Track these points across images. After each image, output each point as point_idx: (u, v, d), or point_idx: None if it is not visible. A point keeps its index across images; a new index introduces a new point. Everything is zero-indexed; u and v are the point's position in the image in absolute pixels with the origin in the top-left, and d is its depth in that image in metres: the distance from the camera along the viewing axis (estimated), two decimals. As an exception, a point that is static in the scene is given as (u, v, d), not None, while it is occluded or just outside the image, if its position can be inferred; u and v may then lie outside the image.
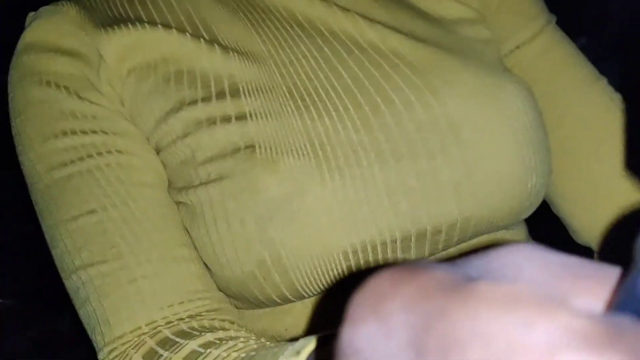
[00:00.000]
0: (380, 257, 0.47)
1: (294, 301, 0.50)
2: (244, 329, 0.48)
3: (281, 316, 0.53)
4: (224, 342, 0.42)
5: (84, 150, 0.48)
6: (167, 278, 0.46)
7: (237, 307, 0.53)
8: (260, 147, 0.46)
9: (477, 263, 0.16)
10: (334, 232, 0.45)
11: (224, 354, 0.40)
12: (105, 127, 0.49)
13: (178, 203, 0.50)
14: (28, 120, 0.50)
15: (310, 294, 0.49)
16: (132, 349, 0.44)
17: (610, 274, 0.15)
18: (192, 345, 0.42)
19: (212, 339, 0.43)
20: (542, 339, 0.13)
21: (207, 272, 0.49)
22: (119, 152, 0.48)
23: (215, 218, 0.46)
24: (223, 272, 0.48)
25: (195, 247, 0.49)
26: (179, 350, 0.42)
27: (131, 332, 0.45)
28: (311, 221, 0.45)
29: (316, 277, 0.47)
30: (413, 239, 0.48)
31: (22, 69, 0.51)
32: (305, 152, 0.46)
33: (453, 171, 0.47)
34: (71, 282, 0.47)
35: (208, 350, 0.41)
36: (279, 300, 0.49)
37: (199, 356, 0.41)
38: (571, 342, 0.12)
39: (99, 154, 0.48)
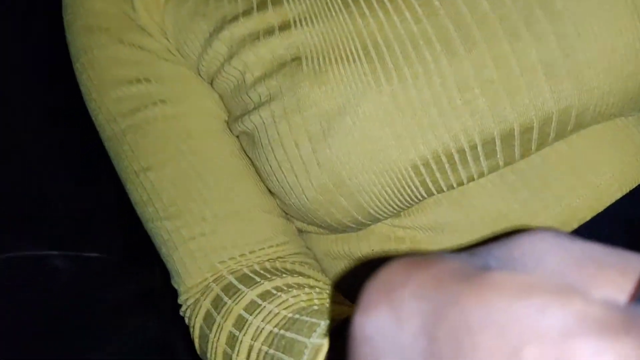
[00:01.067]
0: (459, 167, 0.43)
1: (371, 224, 0.47)
2: (320, 273, 0.49)
3: (366, 236, 0.49)
4: (280, 293, 0.44)
5: (133, 102, 0.48)
6: (228, 231, 0.46)
7: (320, 233, 0.51)
8: (306, 58, 0.43)
9: (497, 252, 0.16)
10: (398, 143, 0.41)
11: (276, 310, 0.42)
12: (150, 74, 0.48)
13: (240, 134, 0.48)
14: (83, 68, 0.49)
15: (387, 215, 0.46)
16: (202, 296, 0.46)
17: (635, 264, 0.14)
18: (251, 295, 0.44)
19: (269, 288, 0.44)
20: (555, 324, 0.12)
21: (280, 217, 0.49)
22: (166, 101, 0.48)
23: (271, 144, 0.44)
24: (290, 200, 0.45)
25: (263, 181, 0.49)
26: (240, 300, 0.44)
27: (199, 283, 0.47)
28: (370, 134, 0.41)
29: (387, 197, 0.43)
30: (497, 141, 0.42)
31: (69, 12, 0.50)
32: (356, 57, 0.42)
33: (544, 51, 0.40)
34: (147, 231, 0.49)
35: (264, 304, 0.43)
36: (354, 226, 0.46)
37: (256, 308, 0.43)
38: (585, 328, 0.12)
39: (146, 106, 0.47)
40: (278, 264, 0.47)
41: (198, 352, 0.47)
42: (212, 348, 0.44)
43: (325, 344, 0.36)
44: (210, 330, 0.45)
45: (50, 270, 0.68)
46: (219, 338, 0.44)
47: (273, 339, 0.40)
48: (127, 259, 0.71)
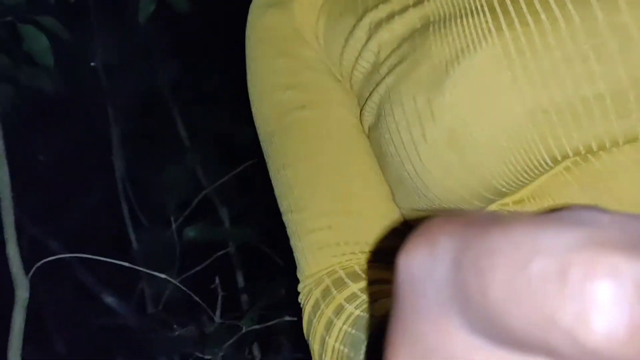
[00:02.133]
0: (584, 123, 0.39)
1: (486, 205, 0.44)
2: None
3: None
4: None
5: (282, 107, 0.52)
6: (344, 229, 0.49)
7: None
8: (434, 22, 0.44)
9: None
10: (516, 88, 0.39)
11: (367, 299, 0.44)
12: (298, 82, 0.52)
13: (369, 122, 0.49)
14: (250, 76, 0.55)
15: (504, 184, 0.42)
16: (315, 286, 0.49)
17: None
18: (354, 287, 0.46)
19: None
20: (569, 239, 0.13)
21: (394, 222, 0.51)
22: (306, 107, 0.51)
23: (392, 107, 0.44)
24: (404, 171, 0.44)
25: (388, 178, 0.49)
26: (343, 291, 0.46)
27: (315, 274, 0.49)
28: (487, 79, 0.39)
29: (503, 154, 0.40)
30: (631, 96, 0.38)
31: (249, 26, 0.56)
32: (480, 11, 0.42)
33: None
34: (285, 222, 0.53)
35: (362, 295, 0.45)
36: (466, 198, 0.44)
37: (355, 298, 0.45)
38: (593, 245, 0.13)
39: (291, 111, 0.51)
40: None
41: (305, 336, 0.50)
42: (313, 332, 0.47)
43: None
44: (315, 317, 0.47)
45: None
46: (319, 322, 0.46)
47: (356, 321, 0.43)
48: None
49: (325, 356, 0.45)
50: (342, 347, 0.43)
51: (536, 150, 0.40)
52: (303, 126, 0.51)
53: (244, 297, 1.56)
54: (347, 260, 0.48)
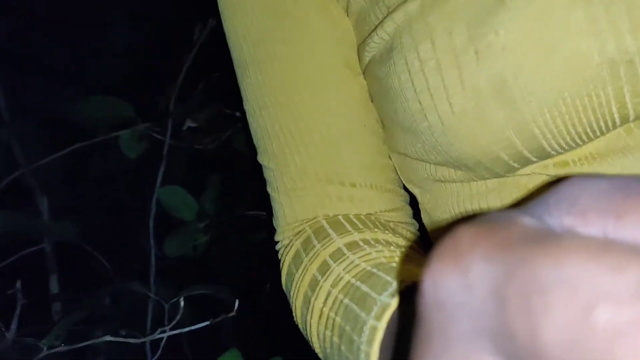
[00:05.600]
0: None
1: (521, 167, 0.39)
2: (415, 237, 0.49)
3: (510, 188, 0.42)
4: (365, 245, 0.43)
5: (258, 33, 0.48)
6: (328, 194, 0.47)
7: (459, 181, 0.45)
8: None
9: (533, 205, 0.16)
10: (593, 29, 0.33)
11: (357, 261, 0.41)
12: (281, 9, 0.47)
13: (371, 56, 0.45)
14: None
15: (550, 146, 0.37)
16: (295, 236, 0.48)
17: None
18: (339, 243, 0.44)
19: (357, 239, 0.44)
20: (630, 284, 0.12)
21: (389, 186, 0.48)
22: (288, 42, 0.47)
23: (415, 40, 0.38)
24: (425, 122, 0.39)
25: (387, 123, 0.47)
26: (328, 246, 0.44)
27: (295, 226, 0.48)
28: (555, 17, 0.33)
29: (562, 107, 0.34)
30: None
31: None
32: None
33: None
34: (259, 160, 0.51)
35: (348, 254, 0.43)
36: (501, 162, 0.39)
37: (340, 257, 0.43)
38: None
39: (269, 42, 0.48)
40: (373, 218, 0.47)
41: (283, 287, 0.49)
42: (295, 287, 0.45)
43: (392, 303, 0.36)
44: (297, 270, 0.46)
45: None
46: (302, 279, 0.45)
47: (349, 289, 0.40)
48: None
49: (310, 317, 0.43)
50: (334, 316, 0.40)
51: (607, 108, 0.35)
52: (281, 66, 0.48)
53: (56, 307, 1.29)
54: (331, 209, 0.47)
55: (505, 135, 0.37)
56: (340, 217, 0.47)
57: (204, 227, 1.15)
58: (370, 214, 0.48)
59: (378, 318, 0.36)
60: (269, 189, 0.51)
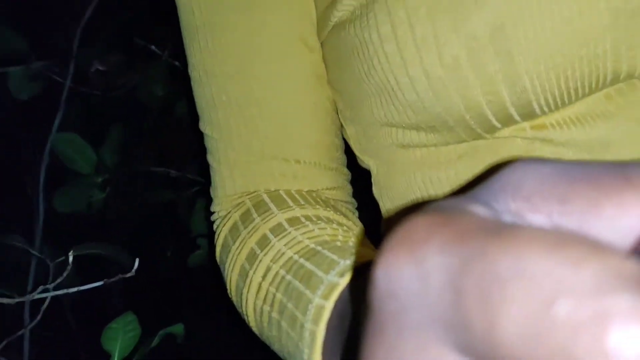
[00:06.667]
0: None
1: (503, 126, 0.38)
2: (355, 217, 0.49)
3: (484, 155, 0.40)
4: (307, 222, 0.43)
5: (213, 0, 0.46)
6: (272, 170, 0.46)
7: (430, 145, 0.43)
8: None
9: (480, 190, 0.16)
10: None
11: (300, 238, 0.42)
12: None
13: (336, 22, 0.44)
14: None
15: (538, 104, 0.36)
16: (234, 208, 0.48)
17: (604, 177, 0.14)
18: (280, 218, 0.44)
19: (299, 215, 0.44)
20: (590, 278, 0.12)
21: (333, 164, 0.48)
22: (243, 11, 0.46)
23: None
24: (406, 79, 0.38)
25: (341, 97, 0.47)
26: (268, 220, 0.44)
27: (235, 198, 0.48)
28: None
29: (560, 59, 0.34)
30: None
31: None
32: None
33: None
34: (200, 127, 0.50)
35: (289, 229, 0.42)
36: (494, 121, 0.38)
37: (281, 232, 0.42)
38: (620, 284, 0.12)
39: (223, 8, 0.46)
40: (314, 195, 0.48)
41: (217, 259, 0.48)
42: (231, 259, 0.45)
43: (341, 283, 0.36)
44: (234, 242, 0.45)
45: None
46: (240, 252, 0.44)
47: (292, 265, 0.40)
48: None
49: (247, 291, 0.42)
50: (274, 291, 0.40)
51: (601, 62, 0.35)
52: (234, 35, 0.47)
53: None
54: (274, 184, 0.47)
55: (495, 87, 0.36)
56: (281, 191, 0.47)
57: (102, 181, 1.04)
58: (312, 190, 0.48)
59: (325, 297, 0.36)
60: (209, 158, 0.50)
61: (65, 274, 0.70)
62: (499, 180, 0.15)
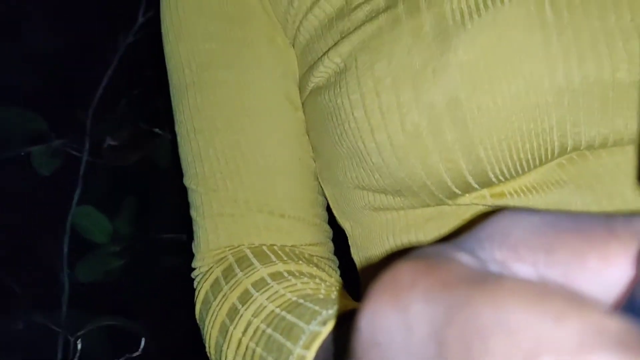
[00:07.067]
0: (610, 111, 0.36)
1: (462, 193, 0.40)
2: (336, 274, 0.49)
3: (450, 220, 0.42)
4: (290, 277, 0.42)
5: (203, 58, 0.47)
6: (257, 223, 0.46)
7: (399, 208, 0.44)
8: None
9: (466, 238, 0.16)
10: (548, 54, 0.34)
11: (282, 291, 0.41)
12: (227, 36, 0.47)
13: (313, 88, 0.45)
14: (169, 8, 0.49)
15: (493, 174, 0.38)
16: (216, 264, 0.47)
17: (590, 227, 0.14)
18: (262, 272, 0.43)
19: (282, 270, 0.43)
20: (572, 335, 0.12)
21: (316, 220, 0.48)
22: (232, 68, 0.47)
23: (372, 60, 0.39)
24: (374, 144, 0.39)
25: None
26: (251, 275, 0.43)
27: (217, 254, 0.47)
28: (513, 42, 0.35)
29: (511, 131, 0.36)
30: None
31: None
32: None
33: None
34: (186, 185, 0.50)
35: (272, 284, 0.42)
36: (453, 188, 0.39)
37: (264, 286, 0.42)
38: (602, 343, 0.12)
39: (213, 67, 0.47)
40: (297, 251, 0.48)
41: (197, 317, 0.47)
42: (212, 315, 0.44)
43: (323, 331, 0.36)
44: (215, 298, 0.44)
45: None
46: (221, 307, 0.43)
47: (273, 319, 0.39)
48: None
49: (227, 347, 0.42)
50: (254, 346, 0.39)
51: (549, 135, 0.36)
52: (222, 92, 0.48)
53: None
54: (257, 238, 0.46)
55: (452, 156, 0.37)
56: (264, 247, 0.46)
57: (119, 250, 1.11)
58: (295, 246, 0.48)
59: (306, 347, 0.35)
60: (192, 213, 0.49)
61: (77, 356, 0.76)
62: (486, 229, 0.15)
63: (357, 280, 0.52)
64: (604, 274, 0.13)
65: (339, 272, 0.51)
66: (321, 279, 0.44)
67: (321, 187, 0.51)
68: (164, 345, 1.00)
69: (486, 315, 0.13)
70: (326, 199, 0.52)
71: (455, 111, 0.36)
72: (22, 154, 1.15)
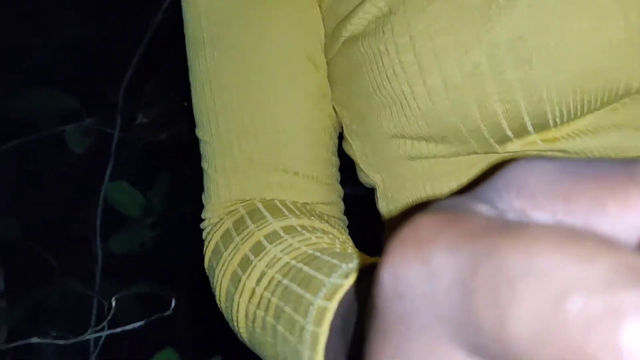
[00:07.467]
0: None
1: (516, 138, 0.38)
2: (344, 230, 0.49)
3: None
4: (304, 231, 0.42)
5: (224, 11, 0.47)
6: (270, 181, 0.47)
7: (439, 156, 0.43)
8: None
9: (483, 189, 0.16)
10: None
11: (296, 245, 0.41)
12: None
13: (348, 37, 0.44)
14: None
15: (559, 118, 0.37)
16: (227, 215, 0.46)
17: (608, 174, 0.14)
18: (275, 225, 0.43)
19: (295, 224, 0.43)
20: (601, 274, 0.12)
21: (329, 180, 0.49)
22: (254, 23, 0.47)
23: (424, 1, 0.37)
24: (434, 86, 0.38)
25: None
26: (263, 227, 0.43)
27: (228, 205, 0.47)
28: None
29: (571, 73, 0.34)
30: None
31: None
32: None
33: None
34: (197, 133, 0.50)
35: (285, 237, 0.41)
36: (507, 131, 0.38)
37: (277, 239, 0.41)
38: (632, 279, 0.11)
39: (233, 23, 0.47)
40: (309, 207, 0.47)
41: (206, 266, 0.47)
42: (222, 265, 0.44)
43: (345, 284, 0.35)
44: (226, 249, 0.44)
45: None
46: (232, 258, 0.43)
47: (289, 270, 0.39)
48: None
49: (239, 296, 0.41)
50: (269, 295, 0.39)
51: (616, 76, 0.35)
52: (240, 50, 0.47)
53: (1, 304, 1.25)
54: (270, 194, 0.46)
55: (513, 96, 0.36)
56: (276, 201, 0.46)
57: (151, 223, 1.13)
58: (307, 203, 0.48)
59: (328, 298, 0.35)
60: (204, 164, 0.49)
61: (110, 316, 0.78)
62: (503, 178, 0.15)
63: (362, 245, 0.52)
64: (624, 220, 0.13)
65: (347, 231, 0.51)
66: (334, 235, 0.44)
67: (336, 148, 0.51)
68: (193, 306, 1.02)
69: (513, 260, 0.12)
70: (339, 159, 0.52)
71: (520, 50, 0.35)
72: (56, 133, 1.18)
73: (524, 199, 0.15)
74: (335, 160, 0.51)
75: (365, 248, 0.53)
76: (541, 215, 0.14)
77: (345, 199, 0.52)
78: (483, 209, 0.15)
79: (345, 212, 0.52)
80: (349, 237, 0.48)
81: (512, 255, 0.13)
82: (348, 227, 0.52)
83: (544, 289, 0.12)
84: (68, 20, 1.20)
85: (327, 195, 0.49)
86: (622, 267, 0.12)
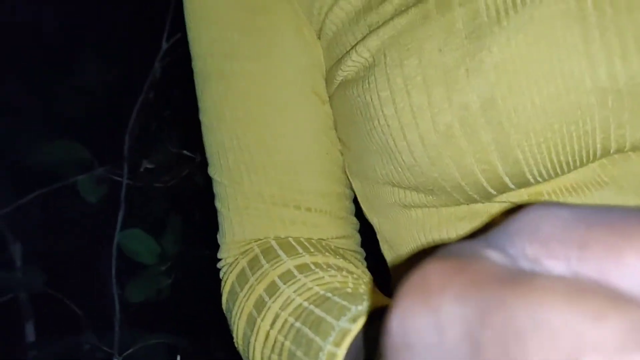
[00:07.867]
0: None
1: (497, 193, 0.38)
2: (363, 266, 0.48)
3: (484, 217, 0.40)
4: (317, 269, 0.42)
5: (225, 48, 0.47)
6: (282, 217, 0.46)
7: (430, 206, 0.43)
8: None
9: (495, 234, 0.15)
10: (588, 52, 0.33)
11: (309, 284, 0.41)
12: (251, 26, 0.46)
13: (342, 80, 0.44)
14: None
15: (531, 173, 0.36)
16: (242, 255, 0.47)
17: (624, 222, 0.13)
18: (289, 264, 0.43)
19: (309, 262, 0.43)
20: (614, 334, 0.11)
21: (342, 213, 0.48)
22: (256, 59, 0.46)
23: (401, 57, 0.37)
24: (405, 143, 0.38)
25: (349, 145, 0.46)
26: (277, 267, 0.43)
27: (243, 245, 0.47)
28: (551, 40, 0.33)
29: (549, 133, 0.34)
30: None
31: None
32: None
33: None
34: (209, 172, 0.50)
35: (299, 276, 0.42)
36: (489, 189, 0.37)
37: (291, 279, 0.42)
38: None
39: (236, 58, 0.46)
40: (324, 243, 0.47)
41: (224, 307, 0.47)
42: (239, 307, 0.44)
43: (353, 329, 0.35)
44: (242, 289, 0.44)
45: None
46: (248, 299, 0.43)
47: (301, 313, 0.39)
48: None
49: (255, 339, 0.41)
50: (282, 339, 0.39)
51: (590, 139, 0.35)
52: (247, 83, 0.47)
53: (32, 354, 1.29)
54: (283, 232, 0.46)
55: (488, 157, 0.36)
56: (290, 239, 0.46)
57: (167, 269, 1.14)
58: (322, 239, 0.47)
59: (337, 344, 0.35)
60: (217, 204, 0.49)
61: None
62: (515, 224, 0.15)
63: (384, 273, 0.51)
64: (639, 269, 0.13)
65: (365, 264, 0.50)
66: (348, 271, 0.44)
67: (348, 180, 0.50)
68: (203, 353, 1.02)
69: (522, 316, 0.12)
70: (353, 191, 0.51)
71: (491, 112, 0.35)
72: (69, 183, 1.20)
73: (537, 245, 0.14)
74: (349, 193, 0.50)
75: (387, 277, 0.52)
76: (554, 263, 0.14)
77: (364, 229, 0.52)
78: (494, 255, 0.15)
79: (366, 242, 0.52)
80: (365, 270, 0.48)
81: (522, 308, 0.12)
82: (371, 256, 0.52)
83: (555, 347, 0.12)
84: (78, 76, 1.22)
85: (342, 229, 0.49)
86: (635, 327, 0.11)
